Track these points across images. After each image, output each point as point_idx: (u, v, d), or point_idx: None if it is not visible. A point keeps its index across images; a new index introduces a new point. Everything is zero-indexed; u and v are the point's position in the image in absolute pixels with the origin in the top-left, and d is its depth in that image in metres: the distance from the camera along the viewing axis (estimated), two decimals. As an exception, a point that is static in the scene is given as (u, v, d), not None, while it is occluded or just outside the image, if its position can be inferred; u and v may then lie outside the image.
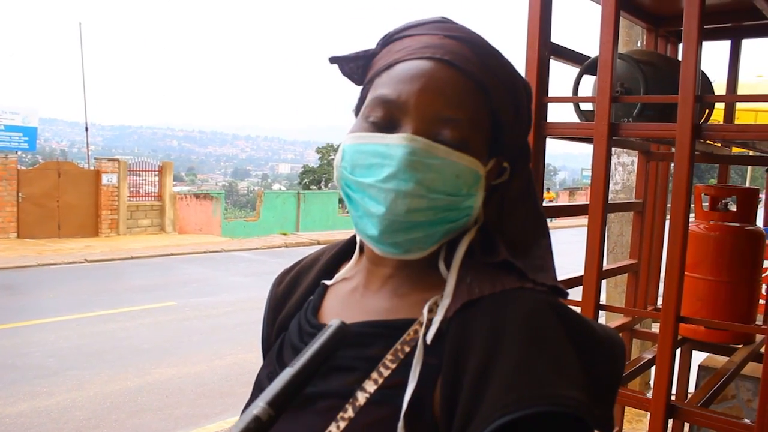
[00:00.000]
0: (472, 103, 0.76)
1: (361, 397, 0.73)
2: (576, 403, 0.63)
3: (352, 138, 0.78)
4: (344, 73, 0.87)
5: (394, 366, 0.73)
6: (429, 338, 0.73)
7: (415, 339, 0.74)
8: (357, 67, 0.85)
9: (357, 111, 0.83)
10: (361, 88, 0.85)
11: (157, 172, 19.26)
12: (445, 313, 0.74)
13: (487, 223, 0.82)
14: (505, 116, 0.80)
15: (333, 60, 0.87)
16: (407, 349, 0.74)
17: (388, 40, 0.83)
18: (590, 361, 0.70)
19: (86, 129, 20.69)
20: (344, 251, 0.94)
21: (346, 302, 0.85)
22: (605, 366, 0.73)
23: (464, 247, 0.79)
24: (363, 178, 0.75)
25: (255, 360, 6.81)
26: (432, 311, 0.75)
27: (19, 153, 17.46)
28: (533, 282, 0.75)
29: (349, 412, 0.72)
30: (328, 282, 0.91)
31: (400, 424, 0.69)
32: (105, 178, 17.63)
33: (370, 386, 0.73)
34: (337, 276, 0.90)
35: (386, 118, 0.76)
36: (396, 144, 0.73)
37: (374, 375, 0.74)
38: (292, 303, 0.94)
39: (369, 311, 0.81)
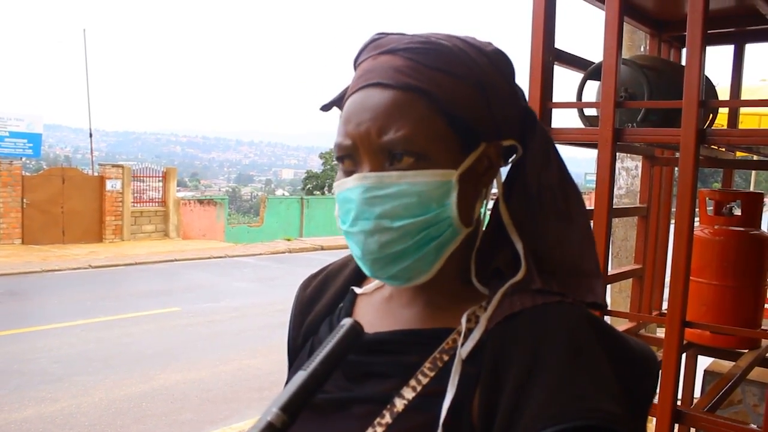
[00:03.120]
0: (414, 112, 0.73)
1: (399, 404, 0.73)
2: (616, 418, 0.64)
3: (335, 188, 0.80)
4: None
5: (432, 374, 0.74)
6: (467, 349, 0.73)
7: (453, 348, 0.75)
8: None
9: None
10: None
11: (160, 178, 19.30)
12: (486, 326, 0.74)
13: (515, 215, 0.79)
14: (466, 105, 0.75)
15: (325, 108, 0.86)
16: (446, 358, 0.74)
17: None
18: (626, 375, 0.71)
19: (90, 135, 20.75)
20: None
21: (380, 311, 0.85)
22: (640, 380, 0.74)
23: (521, 275, 0.76)
24: (343, 226, 0.78)
25: (259, 365, 6.81)
26: (470, 321, 0.75)
27: (24, 159, 17.52)
28: (572, 297, 0.75)
29: (387, 418, 0.73)
30: (358, 290, 0.91)
31: (439, 431, 0.70)
32: (109, 184, 17.67)
33: (409, 393, 0.73)
34: (370, 286, 0.90)
35: (348, 163, 0.77)
36: (353, 186, 0.75)
37: (412, 382, 0.74)
38: (320, 307, 0.94)
39: (405, 320, 0.82)
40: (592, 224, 2.21)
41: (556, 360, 0.67)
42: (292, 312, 0.99)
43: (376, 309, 0.85)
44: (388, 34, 0.81)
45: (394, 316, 0.83)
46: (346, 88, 0.83)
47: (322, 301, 0.95)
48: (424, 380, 0.73)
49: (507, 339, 0.71)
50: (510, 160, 0.81)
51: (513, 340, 0.71)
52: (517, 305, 0.73)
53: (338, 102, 0.85)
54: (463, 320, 0.75)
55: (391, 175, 0.73)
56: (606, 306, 0.79)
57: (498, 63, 0.79)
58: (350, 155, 0.76)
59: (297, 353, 0.95)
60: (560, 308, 0.73)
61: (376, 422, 0.73)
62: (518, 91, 0.82)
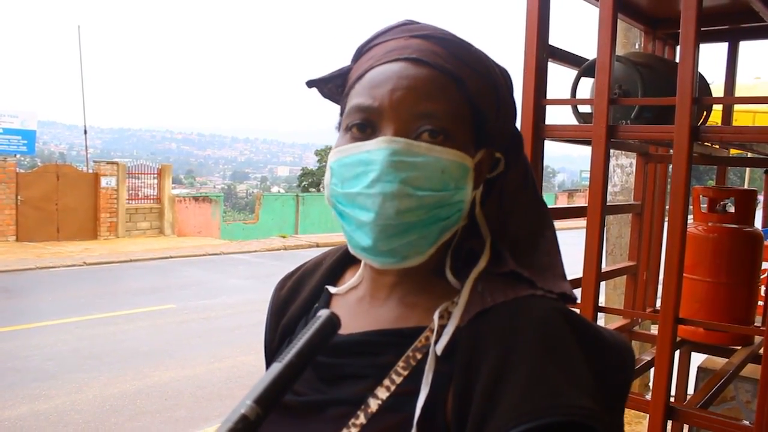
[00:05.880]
0: (448, 94, 0.75)
1: (373, 404, 0.73)
2: (589, 413, 0.63)
3: (336, 153, 0.78)
4: (324, 96, 0.86)
5: (406, 373, 0.73)
6: (441, 347, 0.73)
7: (426, 346, 0.74)
8: (336, 87, 0.85)
9: (339, 127, 0.82)
10: (339, 106, 0.84)
11: (155, 175, 19.25)
12: (458, 322, 0.74)
13: (489, 221, 0.82)
14: (486, 104, 0.78)
15: (310, 84, 0.86)
16: (419, 356, 0.74)
17: (359, 54, 0.83)
18: (600, 368, 0.70)
19: (85, 132, 20.68)
20: (348, 256, 0.92)
21: (354, 312, 0.84)
22: (615, 373, 0.73)
23: (483, 263, 0.78)
24: (350, 189, 0.75)
25: (254, 362, 6.80)
26: (443, 318, 0.75)
27: (18, 156, 17.46)
28: (543, 289, 0.75)
29: (361, 419, 0.72)
30: (332, 289, 0.90)
31: (413, 431, 0.69)
32: (104, 181, 17.61)
33: (382, 393, 0.73)
34: (344, 286, 0.89)
35: (365, 126, 0.76)
36: (376, 148, 0.73)
37: (386, 382, 0.74)
38: (295, 307, 0.93)
39: (378, 320, 0.81)
40: (585, 221, 2.23)
41: (529, 355, 0.66)
42: (267, 313, 0.98)
43: (350, 309, 0.85)
44: (418, 22, 0.83)
45: (368, 316, 0.82)
46: (342, 69, 0.84)
47: (297, 301, 0.94)
48: (398, 379, 0.73)
49: (479, 335, 0.71)
50: (492, 173, 0.83)
51: (485, 337, 0.70)
52: (489, 301, 0.73)
53: (330, 81, 0.85)
54: (436, 317, 0.75)
55: (420, 144, 0.73)
56: (575, 298, 0.79)
57: (506, 77, 0.84)
58: (368, 120, 0.75)
59: (274, 355, 0.95)
60: (532, 302, 0.73)
61: (350, 423, 0.73)
62: (516, 109, 0.85)
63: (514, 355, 0.67)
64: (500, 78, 0.82)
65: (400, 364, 0.74)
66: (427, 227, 0.75)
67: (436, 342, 0.73)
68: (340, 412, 0.75)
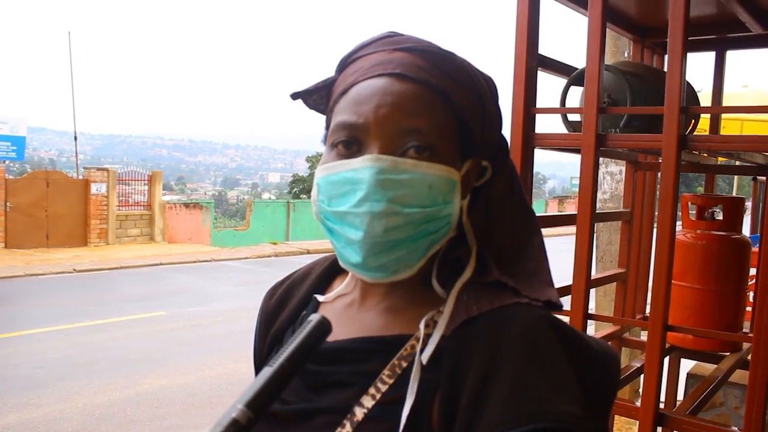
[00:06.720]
0: (433, 109, 0.75)
1: (359, 413, 0.73)
2: (573, 419, 0.64)
3: (322, 170, 0.78)
4: (310, 107, 0.86)
5: (391, 381, 0.74)
6: (426, 356, 0.73)
7: (412, 354, 0.75)
8: (320, 98, 0.85)
9: (325, 140, 0.82)
10: (325, 118, 0.84)
11: (146, 182, 19.19)
12: (443, 331, 0.74)
13: (476, 229, 0.82)
14: (471, 115, 0.78)
15: (295, 96, 0.86)
16: (404, 365, 0.74)
17: (343, 65, 0.83)
18: (586, 375, 0.71)
19: (75, 138, 20.60)
20: (337, 265, 0.92)
21: (341, 318, 0.84)
22: (600, 380, 0.74)
23: (469, 273, 0.79)
24: (338, 207, 0.75)
25: (245, 370, 6.78)
26: (428, 327, 0.76)
27: (7, 162, 17.36)
28: (528, 297, 0.75)
29: (347, 428, 0.72)
30: (321, 297, 0.90)
31: None
32: (94, 188, 17.54)
33: (368, 402, 0.73)
34: (332, 294, 0.89)
35: (351, 143, 0.76)
36: (362, 167, 0.73)
37: (372, 390, 0.74)
38: (284, 316, 0.93)
39: (365, 327, 0.81)
40: (574, 229, 2.24)
41: (514, 363, 0.67)
42: (257, 322, 0.98)
43: (338, 317, 0.85)
44: (401, 34, 0.82)
45: (355, 323, 0.83)
46: (326, 80, 0.84)
47: (286, 310, 0.94)
48: (383, 388, 0.73)
49: (465, 344, 0.72)
50: (479, 181, 0.83)
51: (471, 345, 0.71)
52: (474, 310, 0.74)
53: (314, 92, 0.85)
54: (421, 326, 0.76)
55: (406, 161, 0.73)
56: (561, 305, 0.80)
57: (491, 86, 0.84)
58: (354, 137, 0.75)
59: (263, 363, 0.94)
60: (517, 310, 0.73)
61: None
62: (501, 116, 0.85)
63: (499, 363, 0.67)
64: (485, 87, 0.82)
65: (386, 372, 0.74)
66: (415, 242, 0.75)
67: (421, 351, 0.74)
68: (326, 421, 0.75)
